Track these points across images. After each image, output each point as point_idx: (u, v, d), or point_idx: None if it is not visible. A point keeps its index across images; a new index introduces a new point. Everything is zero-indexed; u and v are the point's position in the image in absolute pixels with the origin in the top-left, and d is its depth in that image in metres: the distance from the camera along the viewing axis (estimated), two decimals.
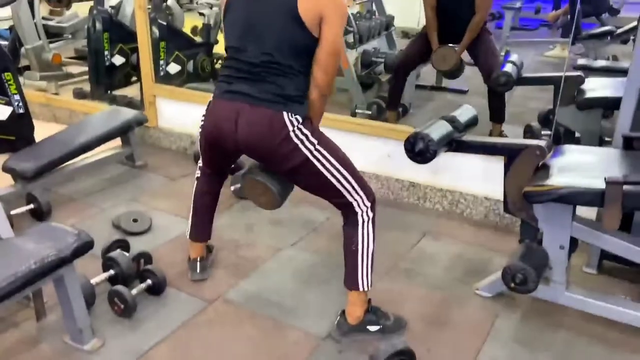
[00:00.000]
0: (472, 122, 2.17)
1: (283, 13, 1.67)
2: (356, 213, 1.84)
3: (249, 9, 1.73)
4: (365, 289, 1.87)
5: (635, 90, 2.02)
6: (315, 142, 1.76)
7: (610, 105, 2.58)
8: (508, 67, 2.85)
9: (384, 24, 4.46)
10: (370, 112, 3.80)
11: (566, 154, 1.99)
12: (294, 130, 1.72)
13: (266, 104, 1.71)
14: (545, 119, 3.38)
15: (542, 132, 3.37)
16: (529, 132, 3.42)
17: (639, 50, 1.96)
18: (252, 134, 1.73)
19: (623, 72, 3.32)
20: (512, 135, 3.47)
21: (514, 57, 3.03)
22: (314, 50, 1.70)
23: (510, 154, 1.96)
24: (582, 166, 1.88)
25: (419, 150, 1.95)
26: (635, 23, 4.47)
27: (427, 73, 4.60)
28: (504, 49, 5.39)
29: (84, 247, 1.68)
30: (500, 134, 3.41)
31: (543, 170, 1.88)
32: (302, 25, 1.65)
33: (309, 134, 1.75)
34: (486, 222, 2.71)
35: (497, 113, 3.36)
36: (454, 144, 2.07)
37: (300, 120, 1.73)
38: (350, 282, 1.87)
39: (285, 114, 1.71)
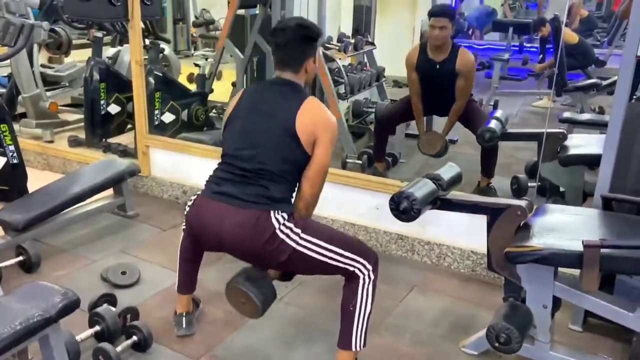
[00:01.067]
0: (456, 180, 2.22)
1: (282, 129, 1.84)
2: (358, 277, 1.89)
3: (250, 122, 1.90)
4: (358, 349, 1.88)
5: (613, 151, 2.09)
6: (299, 231, 1.84)
7: (592, 163, 2.65)
8: (492, 124, 2.94)
9: (375, 75, 4.59)
10: (360, 162, 3.85)
11: (547, 214, 2.04)
12: (279, 228, 1.80)
13: (253, 205, 1.80)
14: (532, 171, 3.43)
15: (529, 184, 3.44)
16: (515, 183, 3.49)
17: (615, 114, 2.04)
18: (237, 236, 1.81)
19: (607, 126, 3.47)
20: (500, 186, 3.53)
21: (498, 113, 3.13)
22: (304, 165, 1.86)
23: (492, 213, 2.00)
24: (562, 227, 1.92)
25: (404, 209, 2.00)
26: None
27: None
28: (493, 99, 5.57)
29: (70, 307, 1.69)
30: (488, 186, 3.48)
31: (524, 230, 1.92)
32: (299, 142, 1.82)
33: (293, 227, 1.83)
34: (473, 276, 2.73)
35: (487, 169, 3.45)
36: (438, 202, 2.11)
37: (286, 217, 1.82)
38: (344, 342, 1.89)
39: (272, 212, 1.80)
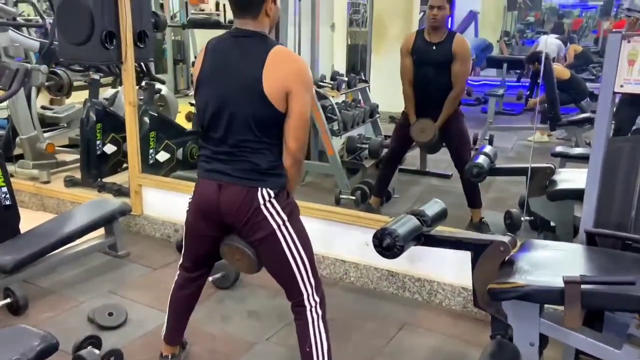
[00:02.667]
0: (441, 216, 2.23)
1: (249, 91, 1.73)
2: (304, 307, 1.88)
3: (218, 88, 1.80)
4: None
5: (595, 186, 2.09)
6: (285, 218, 1.83)
7: (580, 197, 2.64)
8: (480, 159, 2.95)
9: (368, 111, 4.64)
10: (354, 198, 3.87)
11: (532, 250, 2.02)
12: (264, 204, 1.80)
13: (241, 181, 1.80)
14: (526, 205, 3.49)
15: (522, 218, 3.43)
16: (509, 218, 3.50)
17: (596, 149, 2.05)
18: (230, 206, 1.82)
19: None
20: (493, 220, 3.55)
21: (487, 148, 3.15)
22: (283, 123, 1.78)
23: (475, 249, 2.00)
24: (546, 263, 1.91)
25: (387, 246, 2.00)
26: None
27: (411, 157, 4.74)
28: (488, 133, 5.62)
29: (48, 350, 1.68)
30: (480, 220, 3.48)
31: (508, 266, 1.91)
32: (269, 102, 1.73)
33: (279, 208, 1.82)
34: (465, 313, 2.70)
35: (472, 199, 3.45)
36: (422, 238, 2.11)
37: (273, 194, 1.81)
38: None
39: (259, 190, 1.79)
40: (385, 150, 4.17)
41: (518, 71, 7.99)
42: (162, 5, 7.34)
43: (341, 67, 5.08)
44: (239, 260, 1.94)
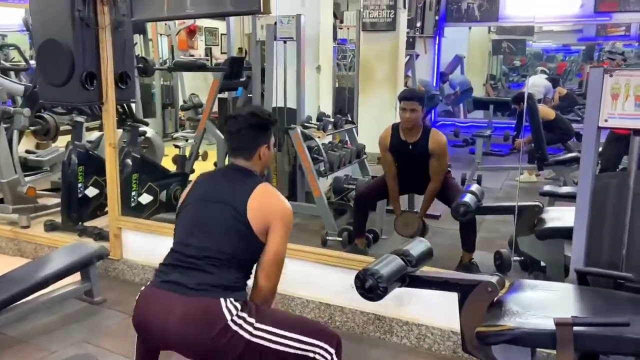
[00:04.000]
0: (426, 256, 2.13)
1: (233, 216, 1.77)
2: None
3: (201, 209, 1.85)
4: None
5: (584, 224, 2.03)
6: (253, 320, 1.73)
7: (570, 236, 2.58)
8: (467, 198, 2.90)
9: (355, 152, 4.62)
10: (341, 239, 3.79)
11: (521, 290, 1.94)
12: (232, 319, 1.69)
13: (202, 293, 1.70)
14: (516, 245, 3.41)
15: (513, 259, 3.35)
16: (499, 258, 3.41)
17: (582, 186, 2.00)
18: (185, 329, 1.68)
19: None
20: (483, 260, 3.45)
21: (474, 187, 3.10)
22: (257, 253, 1.79)
23: (462, 290, 1.90)
24: (536, 304, 1.82)
25: (369, 287, 1.90)
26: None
27: (402, 197, 4.67)
28: (476, 174, 5.60)
29: None
30: (470, 262, 3.39)
31: (497, 307, 1.82)
32: (251, 230, 1.75)
33: (246, 316, 1.73)
34: (455, 359, 2.57)
35: (468, 242, 3.38)
36: (406, 279, 2.01)
37: (239, 307, 1.72)
38: None
39: (222, 301, 1.69)
40: None
41: (506, 112, 8.11)
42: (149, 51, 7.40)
43: (328, 108, 5.08)
44: None
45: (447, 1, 8.21)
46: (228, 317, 1.67)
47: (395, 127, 3.54)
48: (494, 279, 1.87)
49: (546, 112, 5.67)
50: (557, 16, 7.69)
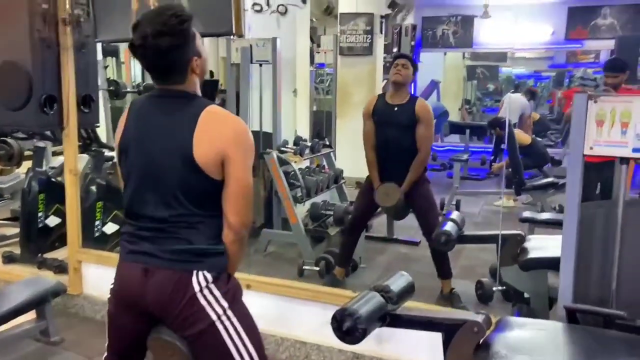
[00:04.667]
0: (408, 291, 1.98)
1: (179, 159, 1.50)
2: None
3: (144, 155, 1.56)
4: None
5: (571, 256, 1.92)
6: (226, 305, 1.56)
7: (554, 266, 2.47)
8: (448, 226, 2.76)
9: (333, 177, 4.49)
10: (318, 268, 3.64)
11: (508, 329, 1.80)
12: (201, 291, 1.52)
13: (172, 264, 1.52)
14: (496, 273, 3.26)
15: (494, 288, 3.23)
16: (480, 288, 3.30)
17: (569, 216, 1.89)
18: (159, 296, 1.53)
19: None
20: (464, 290, 3.34)
21: (454, 214, 2.98)
22: (220, 192, 1.55)
23: (446, 331, 1.76)
24: (525, 346, 1.68)
25: (347, 329, 1.74)
26: None
27: (378, 224, 4.56)
28: (455, 198, 5.52)
29: None
30: (451, 292, 3.27)
31: (484, 349, 1.67)
32: (201, 170, 1.49)
33: (219, 295, 1.55)
34: None
35: (442, 269, 3.27)
36: (387, 318, 1.86)
37: (211, 279, 1.54)
38: None
39: (194, 274, 1.52)
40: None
41: (484, 136, 8.12)
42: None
43: (305, 132, 4.98)
44: (171, 357, 1.63)
45: (422, 27, 8.26)
46: (196, 288, 1.51)
47: (381, 95, 3.42)
48: (480, 318, 1.73)
49: (522, 137, 5.66)
50: (529, 43, 7.80)
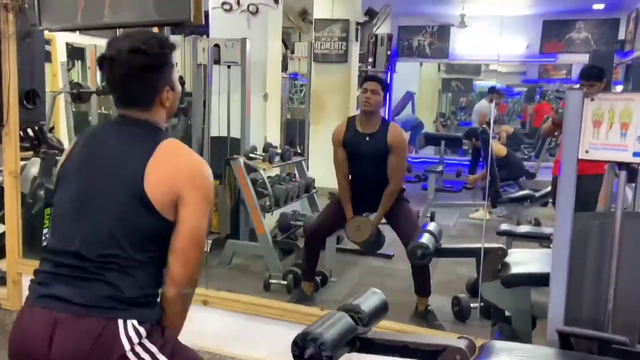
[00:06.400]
0: (381, 311, 1.76)
1: (125, 191, 1.29)
2: None
3: (84, 183, 1.33)
4: None
5: (563, 274, 1.70)
6: (156, 350, 1.28)
7: (538, 283, 2.28)
8: (425, 238, 2.56)
9: (304, 186, 4.30)
10: (286, 282, 3.42)
11: (494, 356, 1.57)
12: (133, 349, 1.24)
13: (95, 312, 1.24)
14: (474, 289, 3.09)
15: (472, 305, 3.04)
16: (457, 305, 3.13)
17: (560, 229, 1.68)
18: (71, 356, 1.22)
19: (547, 239, 3.20)
20: (440, 306, 3.14)
21: (431, 226, 2.78)
22: (167, 236, 1.31)
23: (425, 358, 1.52)
24: None
25: (310, 356, 1.49)
26: (549, 188, 4.53)
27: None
28: (430, 210, 5.35)
29: None
30: (426, 309, 3.06)
31: None
32: (151, 207, 1.27)
33: (155, 350, 1.27)
34: None
35: (421, 286, 3.05)
36: (357, 342, 1.62)
37: (144, 332, 1.26)
38: None
39: (121, 324, 1.24)
40: None
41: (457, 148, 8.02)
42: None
43: (275, 139, 4.75)
44: None
45: (398, 37, 8.15)
46: (127, 346, 1.23)
47: (351, 119, 3.20)
48: (462, 344, 1.51)
49: (498, 148, 5.54)
50: (505, 55, 7.75)
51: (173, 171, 1.31)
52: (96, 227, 1.28)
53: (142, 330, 1.26)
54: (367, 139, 3.08)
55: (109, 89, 1.40)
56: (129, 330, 1.24)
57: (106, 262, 1.27)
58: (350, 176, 3.16)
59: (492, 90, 7.62)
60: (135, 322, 1.25)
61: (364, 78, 3.26)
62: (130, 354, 1.24)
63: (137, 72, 1.32)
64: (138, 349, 1.25)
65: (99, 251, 1.27)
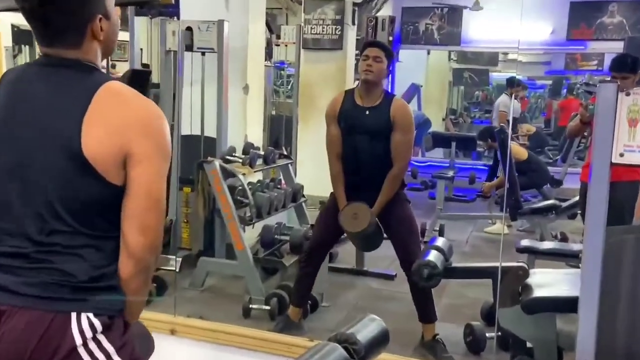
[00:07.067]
0: (380, 342, 1.76)
1: (60, 153, 1.25)
2: None
3: (12, 147, 1.29)
4: None
5: (594, 297, 1.71)
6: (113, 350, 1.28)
7: (564, 308, 2.31)
8: (432, 256, 2.58)
9: (290, 194, 4.33)
10: (269, 308, 3.45)
11: None
12: (85, 343, 1.23)
13: (41, 303, 1.23)
14: (489, 315, 3.14)
15: (487, 335, 3.06)
16: (470, 334, 3.14)
17: (590, 244, 1.69)
18: (15, 350, 1.22)
19: (575, 257, 3.23)
20: (450, 336, 3.17)
21: (439, 241, 2.80)
22: (117, 205, 1.28)
23: None
24: None
25: None
26: (577, 197, 4.55)
27: (346, 252, 4.39)
28: (438, 223, 5.37)
29: None
30: (434, 338, 3.09)
31: None
32: (92, 171, 1.24)
33: (112, 351, 1.27)
34: None
35: (424, 311, 3.07)
36: None
37: (100, 326, 1.26)
38: None
39: (74, 317, 1.23)
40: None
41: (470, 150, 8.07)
42: None
43: (258, 139, 4.79)
44: None
45: (402, 20, 8.21)
46: (78, 340, 1.23)
47: (349, 92, 3.20)
48: None
49: (518, 150, 5.59)
50: (526, 42, 7.80)
51: (117, 123, 1.26)
52: (33, 202, 1.26)
53: (97, 323, 1.25)
54: (367, 112, 3.06)
55: (25, 18, 1.31)
56: (82, 323, 1.23)
57: (50, 243, 1.26)
58: (344, 159, 3.11)
59: (511, 82, 7.64)
60: (90, 314, 1.25)
61: (365, 44, 3.24)
62: (81, 350, 1.23)
63: None
64: (92, 345, 1.24)
65: (41, 230, 1.25)
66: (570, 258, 3.42)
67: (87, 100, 1.25)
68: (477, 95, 12.64)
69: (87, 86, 1.27)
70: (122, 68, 8.41)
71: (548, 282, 2.51)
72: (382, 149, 3.04)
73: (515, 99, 7.35)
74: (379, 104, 3.07)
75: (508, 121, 6.58)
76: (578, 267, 2.27)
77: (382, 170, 3.05)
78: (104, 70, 1.40)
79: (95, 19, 1.31)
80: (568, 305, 2.21)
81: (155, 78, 5.53)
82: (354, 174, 3.11)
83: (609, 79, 3.85)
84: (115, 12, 1.39)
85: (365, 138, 3.06)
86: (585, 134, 4.77)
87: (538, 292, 2.37)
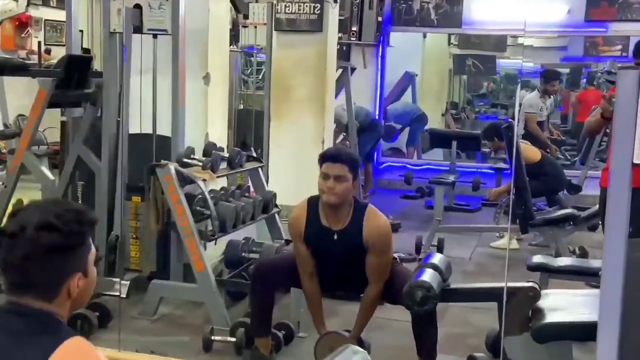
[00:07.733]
0: None
1: None
2: None
3: None
4: None
5: (615, 319, 1.74)
6: None
7: (581, 336, 2.36)
8: (427, 276, 2.60)
9: (261, 203, 4.39)
10: (234, 340, 3.49)
11: None
12: None
13: None
14: (496, 344, 3.17)
15: None
16: None
17: (609, 259, 1.72)
18: None
19: (595, 275, 3.28)
20: None
21: (436, 258, 2.83)
22: None
23: None
24: None
25: None
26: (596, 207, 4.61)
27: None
28: (436, 237, 5.42)
29: None
30: None
31: None
32: None
33: None
34: None
35: (426, 346, 3.10)
36: None
37: None
38: None
39: None
40: None
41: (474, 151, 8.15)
42: None
43: (222, 138, 4.83)
44: None
45: None
46: None
47: (313, 204, 3.23)
48: None
49: (530, 151, 5.64)
50: (538, 24, 7.89)
51: None
52: None
53: None
54: (336, 237, 3.17)
55: (1, 269, 1.46)
56: None
57: None
58: (319, 274, 3.25)
59: (551, 76, 7.46)
60: None
61: (322, 157, 3.19)
62: None
63: (43, 253, 1.42)
64: None
65: None
66: (590, 277, 3.47)
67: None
68: (485, 86, 12.80)
69: (47, 342, 1.37)
70: (59, 53, 8.41)
71: (563, 305, 2.57)
72: (357, 271, 3.17)
73: (549, 96, 7.36)
74: (348, 224, 3.17)
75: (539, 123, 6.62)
76: (599, 287, 2.32)
77: (359, 282, 3.21)
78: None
79: (75, 277, 1.47)
80: (585, 331, 2.27)
81: (97, 65, 5.53)
82: (329, 286, 3.34)
83: (636, 61, 3.92)
84: (93, 269, 1.54)
85: (337, 263, 3.21)
86: (608, 130, 4.84)
87: (550, 317, 2.42)
